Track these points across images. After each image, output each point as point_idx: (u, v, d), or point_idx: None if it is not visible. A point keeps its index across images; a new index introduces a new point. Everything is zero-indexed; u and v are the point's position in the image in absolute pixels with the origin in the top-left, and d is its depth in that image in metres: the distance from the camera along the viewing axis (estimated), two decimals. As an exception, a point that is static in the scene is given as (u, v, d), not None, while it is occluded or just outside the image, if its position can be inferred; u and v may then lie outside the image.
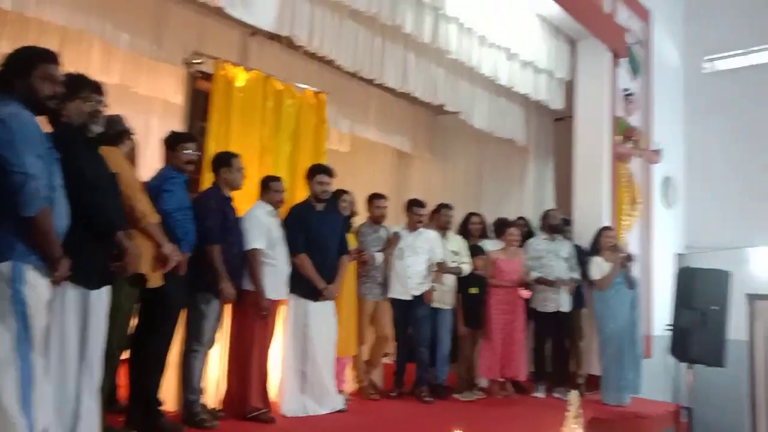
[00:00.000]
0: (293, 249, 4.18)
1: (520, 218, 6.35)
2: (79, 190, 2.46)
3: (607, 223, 6.27)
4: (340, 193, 4.78)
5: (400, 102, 7.45)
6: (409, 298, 4.97)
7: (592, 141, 6.68)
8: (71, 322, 2.48)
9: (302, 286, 4.20)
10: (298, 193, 4.77)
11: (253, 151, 4.73)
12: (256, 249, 3.96)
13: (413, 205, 5.20)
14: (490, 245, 5.70)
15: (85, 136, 2.68)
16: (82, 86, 2.68)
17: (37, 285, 2.18)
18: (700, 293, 5.64)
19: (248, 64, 5.15)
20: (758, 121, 7.87)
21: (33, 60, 2.32)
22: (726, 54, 8.48)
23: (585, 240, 6.02)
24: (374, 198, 5.13)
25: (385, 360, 5.28)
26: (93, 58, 5.14)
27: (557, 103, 6.83)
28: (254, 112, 4.83)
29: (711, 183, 8.08)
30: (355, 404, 4.57)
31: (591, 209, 6.51)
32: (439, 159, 8.23)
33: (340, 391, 4.50)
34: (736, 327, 6.83)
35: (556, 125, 7.48)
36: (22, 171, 2.14)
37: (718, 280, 5.82)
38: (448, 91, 6.15)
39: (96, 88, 2.74)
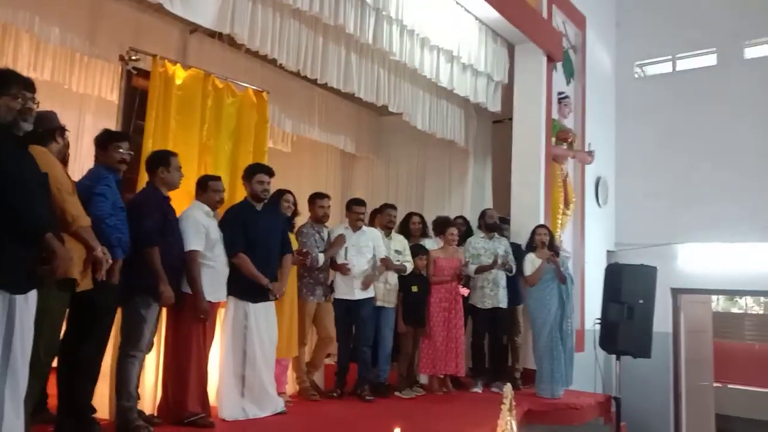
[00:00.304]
0: (232, 249, 4.11)
1: (459, 217, 6.50)
2: (5, 190, 2.37)
3: (542, 221, 6.50)
4: (282, 192, 4.76)
5: (344, 102, 7.48)
6: (354, 297, 5.01)
7: (529, 142, 6.90)
8: None
9: (242, 288, 4.15)
10: (238, 193, 4.72)
11: (193, 150, 4.64)
12: (194, 251, 3.89)
13: (353, 204, 5.25)
14: (430, 244, 5.81)
15: (14, 134, 2.58)
16: (11, 82, 2.57)
17: None
18: (627, 288, 5.91)
19: (187, 62, 5.06)
20: (684, 123, 8.33)
21: None
22: (654, 60, 8.93)
23: (522, 238, 6.23)
24: (316, 197, 5.13)
25: (327, 360, 5.31)
26: (22, 53, 4.93)
27: (495, 106, 7.02)
28: (194, 111, 4.74)
29: (640, 182, 8.50)
30: (296, 406, 4.57)
31: (528, 208, 6.74)
32: (383, 159, 8.32)
33: (281, 393, 4.49)
34: (662, 320, 7.24)
35: (495, 127, 7.69)
36: None
37: (645, 275, 6.12)
38: (390, 92, 6.22)
39: (26, 84, 2.64)
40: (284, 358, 4.67)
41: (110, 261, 3.17)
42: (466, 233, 6.16)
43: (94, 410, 3.43)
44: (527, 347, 6.10)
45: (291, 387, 4.93)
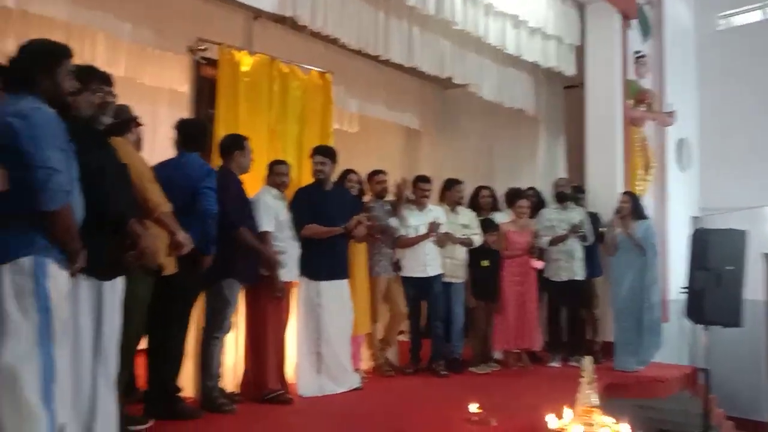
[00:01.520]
0: (300, 225, 4.22)
1: (530, 189, 6.33)
2: (91, 182, 2.47)
3: (620, 188, 6.23)
4: (347, 172, 4.81)
5: (407, 78, 7.39)
6: (425, 275, 5.02)
7: (603, 106, 6.60)
8: (85, 315, 2.50)
9: (313, 267, 4.25)
10: (305, 175, 4.80)
11: (262, 135, 4.74)
12: (267, 232, 4.02)
13: (419, 180, 5.24)
14: (501, 218, 5.71)
15: (95, 128, 2.70)
16: (91, 78, 2.68)
17: (58, 278, 2.20)
18: (714, 254, 5.58)
19: (253, 48, 5.13)
20: (774, 78, 7.69)
21: (57, 57, 2.31)
22: (740, 9, 8.25)
23: (599, 207, 6.00)
24: (373, 174, 5.19)
25: (400, 337, 5.36)
26: (98, 52, 5.17)
27: (567, 70, 6.73)
28: (261, 96, 4.83)
29: (725, 143, 7.94)
30: (371, 382, 4.66)
31: (604, 176, 6.48)
32: (448, 134, 8.18)
33: (356, 370, 4.58)
34: (753, 287, 6.78)
35: (567, 93, 7.39)
36: (46, 166, 2.13)
37: (734, 240, 5.75)
38: (455, 63, 6.09)
39: (105, 79, 2.75)
40: (358, 335, 4.75)
41: (191, 245, 3.26)
42: (537, 205, 6.00)
43: (179, 389, 3.62)
44: (607, 320, 5.91)
45: (366, 363, 5.02)
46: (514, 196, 5.72)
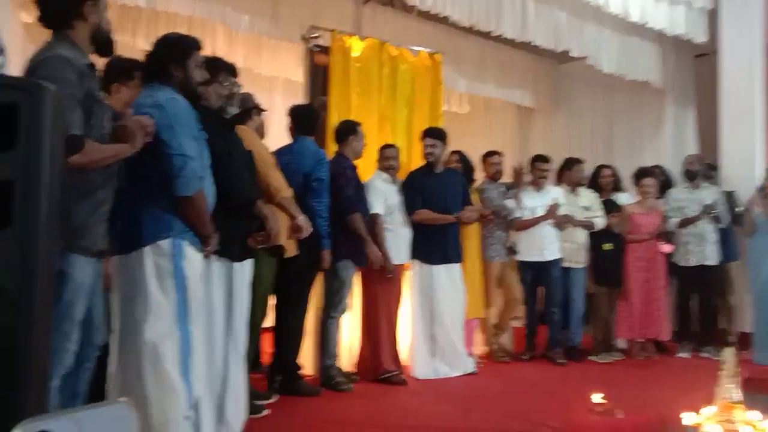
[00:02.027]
0: (411, 209, 4.24)
1: (656, 167, 5.88)
2: (220, 168, 2.58)
3: (760, 165, 5.64)
4: (451, 153, 4.72)
5: (519, 54, 7.13)
6: (542, 259, 4.85)
7: (741, 76, 5.97)
8: (218, 294, 2.64)
9: (425, 251, 4.25)
10: (415, 158, 4.77)
11: (372, 120, 4.78)
12: (377, 214, 4.08)
13: (537, 160, 5.04)
14: (625, 199, 5.36)
15: (222, 117, 2.82)
16: (219, 70, 2.79)
17: (193, 259, 2.32)
18: None
19: (363, 33, 5.16)
20: None
21: (188, 49, 2.42)
22: None
23: (735, 185, 5.47)
24: (488, 155, 5.05)
25: (515, 323, 5.21)
26: (218, 44, 5.43)
27: (698, 37, 6.16)
28: (371, 81, 4.86)
29: None
30: (486, 367, 4.58)
31: (742, 151, 5.88)
32: (564, 111, 7.81)
33: (470, 354, 4.52)
34: None
35: (697, 62, 6.78)
36: (181, 153, 2.24)
37: None
38: (571, 35, 5.77)
39: (231, 70, 2.86)
40: (471, 320, 4.68)
41: (310, 229, 3.36)
42: (665, 184, 5.56)
43: (300, 367, 3.76)
44: (745, 308, 5.40)
45: (479, 348, 4.94)
46: (640, 175, 5.33)
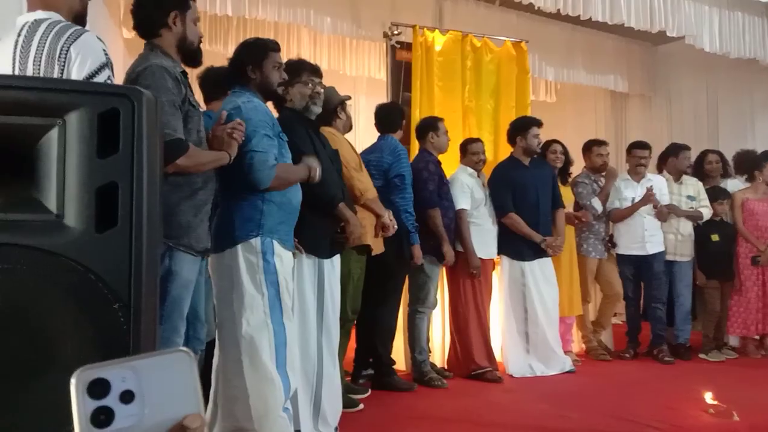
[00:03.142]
0: (501, 210, 4.15)
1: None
2: None
3: None
4: (549, 143, 4.55)
5: (611, 38, 6.79)
6: (644, 252, 4.59)
7: None
8: (308, 289, 2.69)
9: (515, 246, 4.14)
10: (501, 151, 4.65)
11: (457, 114, 4.72)
12: (462, 209, 4.03)
13: (634, 147, 4.76)
14: (733, 185, 4.97)
15: (307, 118, 2.87)
16: (302, 70, 2.84)
17: (283, 256, 2.38)
18: None
19: (444, 26, 5.10)
20: None
21: (264, 51, 2.48)
22: None
23: None
24: (593, 145, 4.81)
25: (615, 320, 4.96)
26: (303, 47, 5.55)
27: (814, 5, 5.62)
28: (455, 74, 4.80)
29: None
30: (584, 366, 4.38)
31: None
32: (661, 95, 7.35)
33: (567, 352, 4.35)
34: None
35: (814, 33, 6.17)
36: (251, 150, 2.30)
37: None
38: (667, 14, 5.40)
39: (314, 71, 2.90)
40: (568, 317, 4.50)
41: (396, 227, 3.37)
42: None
43: (393, 362, 3.77)
44: None
45: (577, 346, 4.74)
46: (751, 161, 4.91)
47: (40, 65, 1.64)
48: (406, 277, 3.79)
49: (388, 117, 3.86)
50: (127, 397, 0.39)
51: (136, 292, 1.16)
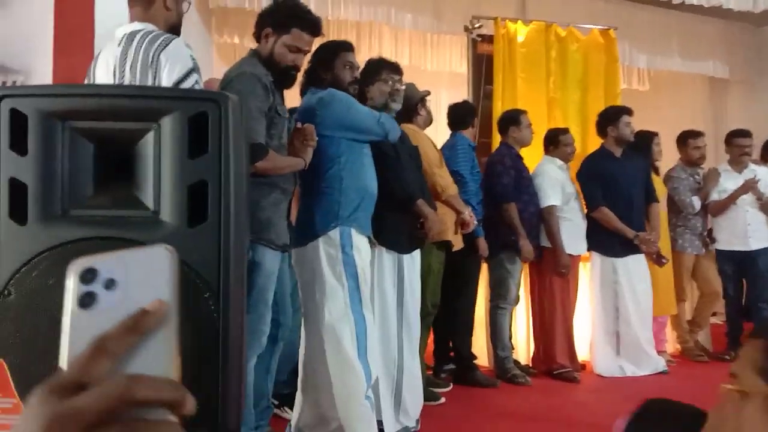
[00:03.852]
0: (591, 204, 4.01)
1: None
2: (384, 165, 2.68)
3: None
4: (652, 135, 4.35)
5: (708, 20, 6.38)
6: (747, 248, 4.32)
7: None
8: (388, 283, 2.75)
9: (606, 242, 3.99)
10: (590, 142, 4.49)
11: (541, 106, 4.62)
12: (552, 206, 3.93)
13: (735, 136, 4.48)
14: None
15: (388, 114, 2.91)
16: (381, 68, 2.89)
17: (362, 247, 2.45)
18: None
19: (528, 17, 5.00)
20: None
21: (334, 51, 2.57)
22: None
23: None
24: (689, 137, 4.55)
25: (713, 320, 4.68)
26: (384, 45, 5.61)
27: None
28: (538, 65, 4.70)
29: None
30: (679, 367, 4.17)
31: None
32: (766, 80, 6.83)
33: (660, 352, 4.15)
34: None
35: None
36: (324, 134, 2.37)
37: None
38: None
39: (394, 68, 2.94)
40: (661, 316, 4.30)
41: (476, 222, 3.40)
42: None
43: (474, 357, 3.76)
44: None
45: (671, 346, 4.52)
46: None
47: (136, 72, 1.78)
48: (479, 270, 3.77)
49: (456, 115, 3.88)
50: (110, 284, 0.44)
51: (225, 282, 1.25)
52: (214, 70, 4.30)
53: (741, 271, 4.39)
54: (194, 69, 1.80)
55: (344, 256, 2.38)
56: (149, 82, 1.75)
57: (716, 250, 4.45)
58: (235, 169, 1.36)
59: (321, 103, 2.44)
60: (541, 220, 3.93)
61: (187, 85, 1.76)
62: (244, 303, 1.41)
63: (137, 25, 1.86)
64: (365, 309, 2.41)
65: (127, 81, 1.77)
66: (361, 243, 2.45)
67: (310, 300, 2.40)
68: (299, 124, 2.36)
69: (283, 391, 2.86)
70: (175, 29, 1.95)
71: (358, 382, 2.32)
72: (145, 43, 1.79)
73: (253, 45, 2.38)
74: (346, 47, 2.60)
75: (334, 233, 2.39)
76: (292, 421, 2.50)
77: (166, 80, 1.75)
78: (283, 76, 2.26)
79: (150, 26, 1.86)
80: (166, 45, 1.78)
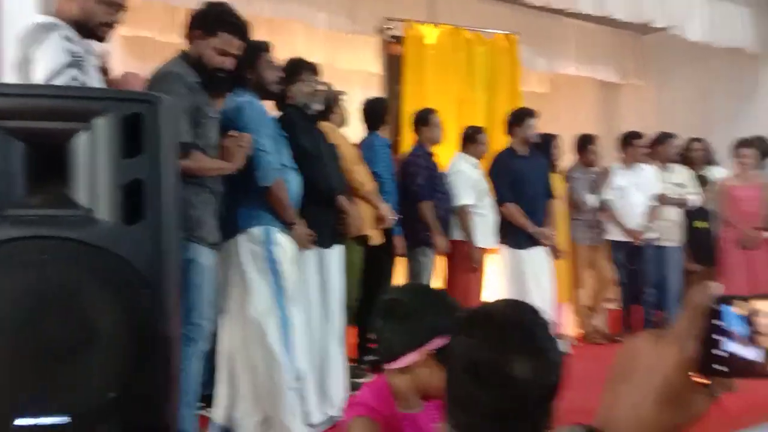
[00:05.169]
0: (501, 199, 4.21)
1: (757, 138, 5.51)
2: (306, 162, 2.74)
3: None
4: (552, 137, 4.65)
5: (600, 29, 6.88)
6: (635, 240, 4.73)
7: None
8: (312, 277, 2.81)
9: (514, 236, 4.21)
10: (495, 141, 4.74)
11: (450, 106, 4.79)
12: (465, 204, 4.07)
13: (633, 137, 4.89)
14: (718, 173, 5.10)
15: (306, 114, 2.96)
16: (301, 69, 2.94)
17: (283, 245, 2.50)
18: None
19: (438, 20, 5.17)
20: None
21: (255, 52, 2.57)
22: None
23: None
24: (588, 142, 4.91)
25: (609, 305, 5.09)
26: (297, 43, 5.60)
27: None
28: (447, 67, 4.89)
29: None
30: (580, 349, 4.50)
31: None
32: (652, 84, 7.45)
33: (560, 336, 4.46)
34: None
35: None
36: (259, 149, 2.42)
37: None
38: (654, 5, 5.50)
39: (313, 69, 3.01)
40: (559, 302, 4.62)
41: (395, 218, 3.51)
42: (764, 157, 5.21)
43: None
44: None
45: (573, 330, 4.87)
46: (738, 146, 5.04)
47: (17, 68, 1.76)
48: (392, 265, 3.86)
49: (370, 114, 3.94)
50: None
51: (162, 278, 1.28)
52: (123, 64, 4.16)
53: (631, 259, 4.80)
54: (71, 64, 1.77)
55: (266, 253, 2.43)
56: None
57: (609, 240, 4.84)
58: (169, 169, 1.40)
59: (248, 108, 2.48)
60: (453, 215, 4.09)
61: (60, 80, 1.72)
62: (178, 298, 1.45)
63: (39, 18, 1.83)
64: (289, 303, 2.46)
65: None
66: (283, 239, 2.50)
67: (233, 295, 2.43)
68: (234, 133, 2.36)
69: (204, 392, 2.85)
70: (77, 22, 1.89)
71: (282, 372, 2.37)
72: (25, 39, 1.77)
73: (163, 38, 2.38)
74: (265, 47, 2.63)
75: (257, 230, 2.44)
76: (214, 417, 2.51)
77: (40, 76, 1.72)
78: (211, 78, 2.27)
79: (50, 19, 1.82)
80: (43, 41, 1.75)
